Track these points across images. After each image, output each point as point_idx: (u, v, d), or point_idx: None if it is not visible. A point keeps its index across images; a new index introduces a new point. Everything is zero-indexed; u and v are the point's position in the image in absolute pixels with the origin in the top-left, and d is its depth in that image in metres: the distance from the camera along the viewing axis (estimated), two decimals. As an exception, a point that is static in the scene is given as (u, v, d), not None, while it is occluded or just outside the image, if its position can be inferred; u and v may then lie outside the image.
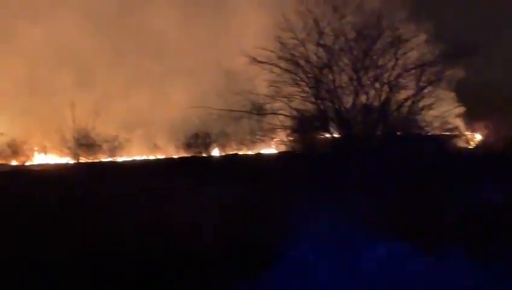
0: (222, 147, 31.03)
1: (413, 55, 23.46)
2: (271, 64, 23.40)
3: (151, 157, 32.45)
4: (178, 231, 12.77)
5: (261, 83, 23.54)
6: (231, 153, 30.70)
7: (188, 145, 30.67)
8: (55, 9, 34.10)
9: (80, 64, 34.30)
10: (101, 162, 30.68)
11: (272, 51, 23.28)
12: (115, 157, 30.90)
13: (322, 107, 23.73)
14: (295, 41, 23.32)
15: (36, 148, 31.22)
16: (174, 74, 34.23)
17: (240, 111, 24.08)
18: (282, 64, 23.51)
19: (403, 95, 23.54)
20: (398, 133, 23.70)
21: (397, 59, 23.33)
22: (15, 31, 33.62)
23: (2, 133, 29.98)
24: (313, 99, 23.78)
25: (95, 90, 33.79)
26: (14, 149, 30.32)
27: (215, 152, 31.13)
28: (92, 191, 21.87)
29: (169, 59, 34.91)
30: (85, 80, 33.87)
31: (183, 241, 11.58)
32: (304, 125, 24.12)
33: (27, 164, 30.95)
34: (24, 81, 33.76)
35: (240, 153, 30.58)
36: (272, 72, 23.47)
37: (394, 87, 23.31)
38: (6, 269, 10.20)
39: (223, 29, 34.02)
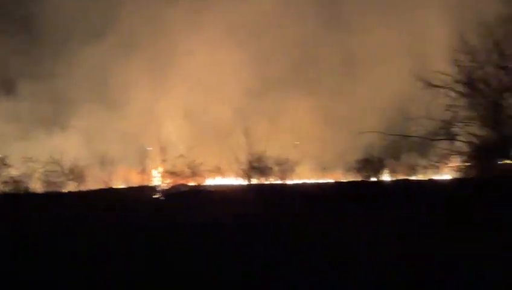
0: (392, 172, 30.58)
1: None
2: (447, 88, 22.71)
3: (321, 180, 32.85)
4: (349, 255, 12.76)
5: (435, 107, 22.84)
6: (402, 178, 30.14)
7: (357, 170, 30.64)
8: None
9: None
10: (271, 184, 31.74)
11: (448, 75, 22.60)
12: (285, 180, 31.78)
13: (502, 132, 22.38)
14: (474, 64, 22.40)
15: (212, 169, 32.88)
16: (345, 97, 34.58)
17: (413, 136, 23.65)
18: (460, 88, 22.70)
19: None
20: None
21: None
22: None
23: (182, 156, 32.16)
24: (492, 124, 22.53)
25: (266, 113, 35.27)
26: (193, 170, 32.26)
27: (385, 177, 30.75)
28: (262, 211, 22.77)
29: (342, 81, 35.42)
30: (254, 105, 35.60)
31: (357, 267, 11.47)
32: (482, 152, 22.92)
33: (203, 183, 32.76)
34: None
35: (411, 178, 29.92)
36: (448, 96, 22.72)
37: None
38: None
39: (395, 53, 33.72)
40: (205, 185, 32.41)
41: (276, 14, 36.31)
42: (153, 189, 31.99)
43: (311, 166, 33.02)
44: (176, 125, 34.87)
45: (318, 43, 36.46)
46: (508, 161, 22.55)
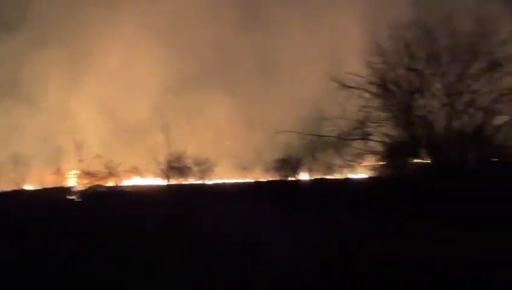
0: (309, 171, 31.10)
1: (510, 80, 22.29)
2: (361, 89, 23.27)
3: (240, 180, 32.98)
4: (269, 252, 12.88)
5: (350, 108, 23.33)
6: (319, 177, 30.70)
7: (276, 169, 30.99)
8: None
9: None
10: (190, 184, 31.62)
11: (361, 76, 23.17)
12: (204, 180, 31.74)
13: (412, 132, 23.14)
14: (386, 66, 23.05)
15: (130, 170, 32.35)
16: (262, 97, 34.87)
17: (329, 136, 24.10)
18: (373, 89, 23.32)
19: (498, 120, 22.33)
20: (493, 160, 22.67)
21: (493, 84, 22.08)
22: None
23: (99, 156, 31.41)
24: (403, 125, 23.25)
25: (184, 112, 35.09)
26: (110, 170, 31.60)
27: (303, 176, 31.22)
28: (182, 211, 22.61)
29: (260, 82, 35.69)
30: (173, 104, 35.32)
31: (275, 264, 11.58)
32: (394, 151, 23.63)
33: (121, 184, 32.18)
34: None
35: (328, 177, 30.54)
36: (362, 97, 23.28)
37: (489, 112, 22.04)
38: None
39: (311, 54, 34.29)
40: (123, 186, 31.84)
41: (195, 14, 36.30)
42: (68, 190, 31.05)
43: (231, 165, 33.11)
44: (93, 124, 34.06)
45: (237, 44, 36.78)
46: (418, 160, 23.33)
